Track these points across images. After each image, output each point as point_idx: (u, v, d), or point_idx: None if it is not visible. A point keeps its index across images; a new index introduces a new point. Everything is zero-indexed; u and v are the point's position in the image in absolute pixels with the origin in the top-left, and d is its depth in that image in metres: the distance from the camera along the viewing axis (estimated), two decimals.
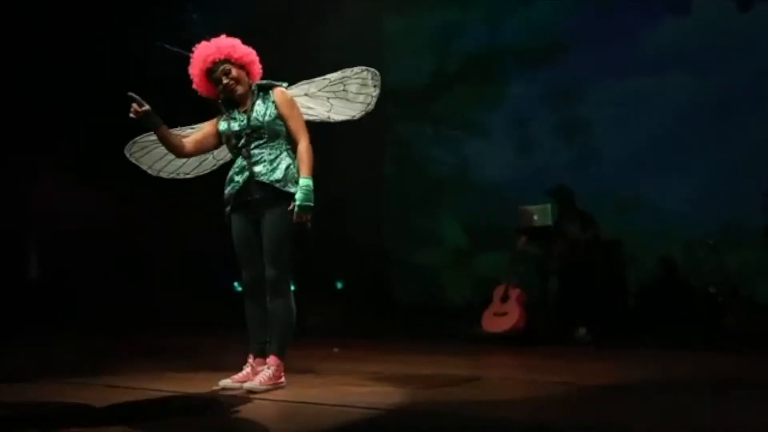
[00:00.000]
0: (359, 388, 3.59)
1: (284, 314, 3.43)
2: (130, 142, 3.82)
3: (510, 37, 8.37)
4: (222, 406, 3.15)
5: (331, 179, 8.27)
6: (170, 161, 3.83)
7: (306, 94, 3.68)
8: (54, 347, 5.68)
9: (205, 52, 3.45)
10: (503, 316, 5.86)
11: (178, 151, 3.50)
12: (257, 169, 3.40)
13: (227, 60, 3.43)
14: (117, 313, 6.89)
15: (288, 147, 3.48)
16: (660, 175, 7.21)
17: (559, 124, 8.04)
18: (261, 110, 3.45)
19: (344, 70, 3.68)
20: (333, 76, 3.68)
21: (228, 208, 3.50)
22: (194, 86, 3.52)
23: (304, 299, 7.42)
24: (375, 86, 3.64)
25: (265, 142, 3.43)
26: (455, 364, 4.57)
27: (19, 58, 6.78)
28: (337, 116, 3.70)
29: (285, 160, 3.42)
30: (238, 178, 3.45)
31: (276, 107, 3.45)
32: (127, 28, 6.84)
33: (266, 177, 3.38)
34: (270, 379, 3.37)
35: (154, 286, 7.54)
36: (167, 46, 3.67)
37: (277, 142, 3.44)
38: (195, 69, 3.48)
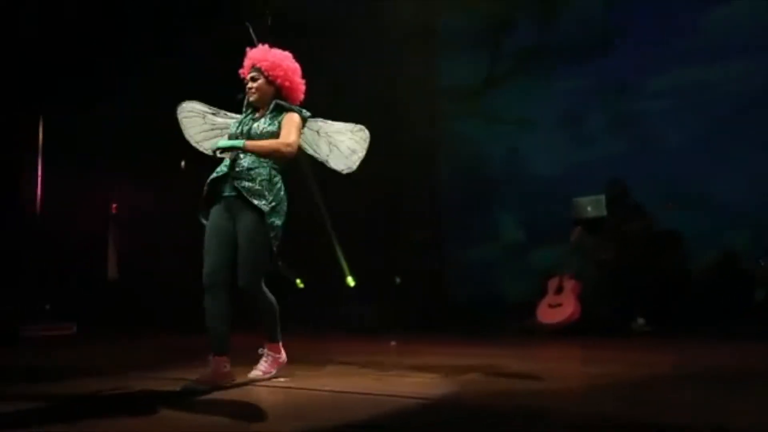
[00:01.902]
0: (413, 380, 3.65)
1: (265, 309, 3.58)
2: (184, 102, 3.93)
3: (561, 30, 8.33)
4: (270, 396, 3.23)
5: (387, 177, 8.48)
6: (208, 138, 3.91)
7: (317, 132, 3.80)
8: (129, 343, 5.97)
9: (255, 54, 3.64)
10: (558, 308, 5.88)
11: None
12: (234, 173, 3.49)
13: (260, 69, 3.59)
14: (188, 312, 7.15)
15: (274, 166, 3.53)
16: (717, 166, 7.07)
17: (613, 116, 7.94)
18: (264, 125, 3.55)
19: (348, 124, 3.78)
20: (339, 125, 3.79)
21: (205, 191, 3.55)
22: (240, 72, 3.69)
23: (363, 294, 7.68)
24: (364, 149, 3.72)
25: (282, 160, 3.53)
26: (509, 356, 4.58)
27: (98, 74, 7.09)
28: (332, 163, 3.80)
29: (262, 174, 3.47)
30: (219, 171, 3.53)
31: (279, 126, 3.54)
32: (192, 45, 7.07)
33: (238, 182, 3.46)
34: (270, 365, 3.61)
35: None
36: (251, 29, 3.78)
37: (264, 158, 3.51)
38: (245, 62, 3.68)
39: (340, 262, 7.79)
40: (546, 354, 5.03)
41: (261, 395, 3.29)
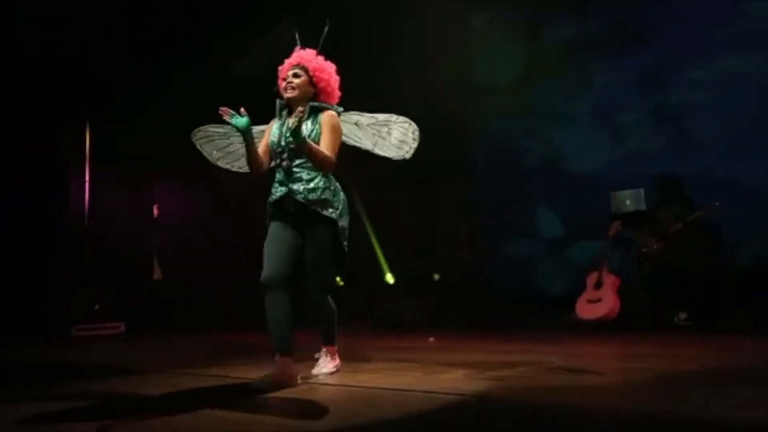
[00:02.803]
0: (449, 375, 3.66)
1: (327, 314, 3.70)
2: (196, 129, 4.04)
3: (597, 23, 8.27)
4: (307, 393, 3.26)
5: (424, 173, 8.51)
6: (228, 153, 4.04)
7: (356, 124, 3.81)
8: (171, 342, 6.12)
9: (305, 54, 3.66)
10: (597, 303, 5.84)
11: (257, 167, 3.59)
12: (294, 186, 3.50)
13: (306, 68, 3.60)
14: (229, 311, 7.30)
15: (327, 172, 3.57)
16: (758, 158, 6.95)
17: (651, 109, 7.87)
18: (308, 130, 3.52)
19: (391, 115, 3.78)
20: (380, 116, 3.79)
21: (268, 220, 3.61)
22: (279, 69, 3.71)
23: (401, 291, 7.72)
24: (414, 140, 3.72)
25: (305, 162, 3.52)
26: (548, 351, 4.57)
27: (143, 77, 7.26)
28: (380, 151, 3.79)
29: (321, 183, 3.51)
30: (277, 193, 3.57)
31: (320, 128, 3.54)
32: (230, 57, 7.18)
33: (302, 196, 3.48)
34: (328, 363, 3.73)
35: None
36: (297, 36, 3.82)
37: None
38: (289, 60, 3.68)
39: (378, 259, 7.85)
40: (586, 350, 4.98)
41: (308, 393, 3.32)
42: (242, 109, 3.41)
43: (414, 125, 3.75)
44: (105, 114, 7.14)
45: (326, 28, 3.77)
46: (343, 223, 3.58)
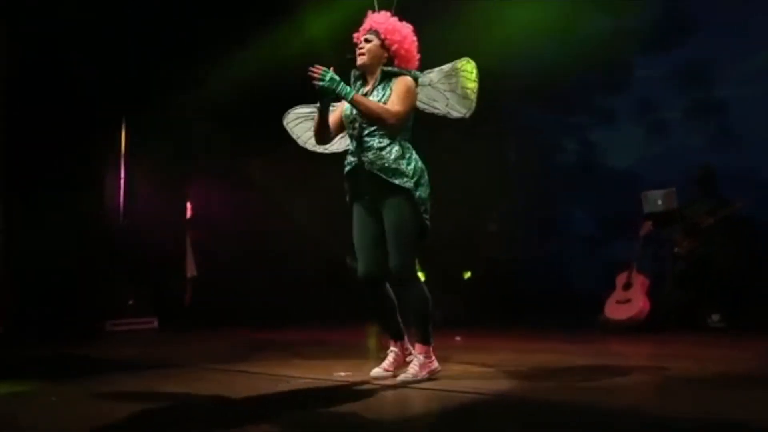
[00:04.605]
0: (471, 373, 3.66)
1: (417, 304, 3.38)
2: (287, 111, 3.89)
3: (634, 17, 8.14)
4: (331, 392, 3.27)
5: (457, 170, 8.47)
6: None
7: (430, 85, 3.56)
8: (204, 338, 6.21)
9: (376, 17, 3.50)
10: (626, 303, 5.78)
11: (324, 139, 3.54)
12: (364, 156, 3.35)
13: (377, 32, 3.45)
14: (262, 308, 7.39)
15: (404, 138, 3.39)
16: None
17: (691, 105, 7.74)
18: (378, 96, 3.38)
19: (451, 63, 3.52)
20: (446, 67, 3.54)
21: (347, 198, 3.49)
22: (355, 36, 3.54)
23: (431, 289, 7.72)
24: (475, 80, 3.46)
25: (376, 129, 3.35)
26: (577, 352, 4.55)
27: (178, 74, 7.37)
28: (453, 111, 3.56)
29: (395, 151, 3.33)
30: (349, 164, 3.43)
31: (391, 92, 3.36)
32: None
33: (373, 166, 3.32)
34: (421, 368, 3.38)
35: (297, 283, 7.97)
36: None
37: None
38: (363, 25, 3.53)
39: None
40: (614, 350, 4.96)
41: (320, 388, 3.35)
42: (332, 68, 3.26)
43: (469, 61, 3.46)
44: (141, 112, 7.26)
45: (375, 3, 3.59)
46: (421, 193, 3.33)
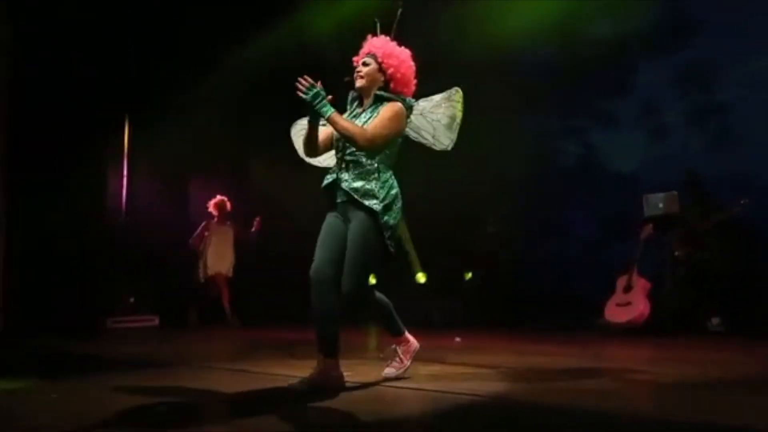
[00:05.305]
0: (469, 376, 3.67)
1: (377, 306, 3.52)
2: (294, 122, 3.88)
3: (637, 20, 8.13)
4: (330, 392, 3.22)
5: (458, 172, 8.47)
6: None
7: (421, 114, 3.61)
8: (204, 337, 6.24)
9: (375, 41, 3.55)
10: (626, 306, 5.78)
11: (311, 151, 3.54)
12: (343, 175, 3.40)
13: (375, 56, 3.49)
14: (265, 307, 7.40)
15: (384, 163, 3.41)
16: None
17: (692, 109, 7.73)
18: (365, 118, 3.43)
19: (443, 93, 3.58)
20: (436, 98, 3.60)
21: (323, 200, 3.50)
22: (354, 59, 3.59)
23: (432, 290, 7.72)
24: (460, 110, 3.53)
25: (357, 150, 3.37)
26: (575, 354, 4.56)
27: (183, 74, 7.38)
28: (437, 143, 3.61)
29: (370, 174, 3.36)
30: (328, 178, 3.47)
31: (377, 116, 3.39)
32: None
33: (346, 184, 3.36)
34: (402, 358, 3.61)
35: (297, 283, 7.96)
36: (378, 25, 3.68)
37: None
38: (363, 49, 3.57)
39: (410, 258, 7.86)
40: (613, 353, 4.96)
41: (320, 391, 3.29)
42: (319, 83, 3.30)
43: (458, 91, 3.51)
44: (144, 111, 7.28)
45: (399, 11, 3.64)
46: (389, 218, 3.33)
